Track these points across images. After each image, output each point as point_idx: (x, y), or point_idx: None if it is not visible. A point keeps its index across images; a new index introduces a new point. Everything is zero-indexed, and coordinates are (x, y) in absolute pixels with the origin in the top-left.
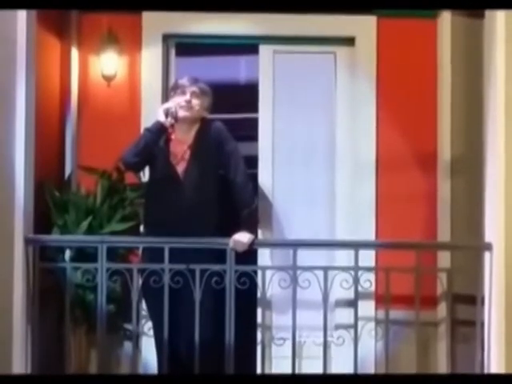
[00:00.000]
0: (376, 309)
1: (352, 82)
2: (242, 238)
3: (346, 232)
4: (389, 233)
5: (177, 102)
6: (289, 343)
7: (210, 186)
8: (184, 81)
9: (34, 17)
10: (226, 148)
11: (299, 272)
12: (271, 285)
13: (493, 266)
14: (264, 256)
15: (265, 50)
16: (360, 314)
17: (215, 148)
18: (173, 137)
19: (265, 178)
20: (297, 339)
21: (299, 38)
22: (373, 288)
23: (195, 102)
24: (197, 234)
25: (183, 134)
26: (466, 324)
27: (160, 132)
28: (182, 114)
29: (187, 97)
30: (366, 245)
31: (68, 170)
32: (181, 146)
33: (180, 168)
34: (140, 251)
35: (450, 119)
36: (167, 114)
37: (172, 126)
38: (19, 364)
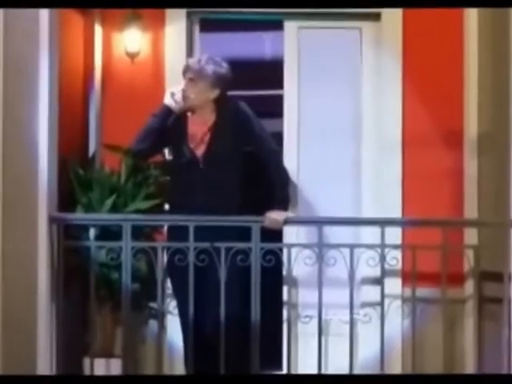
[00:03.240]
0: (402, 286)
1: (378, 57)
2: (278, 216)
3: (372, 209)
4: (415, 210)
5: (178, 88)
6: (315, 321)
7: (231, 167)
8: (188, 62)
9: None
10: (252, 127)
11: (325, 250)
12: (297, 262)
13: None
14: (290, 233)
15: (290, 26)
16: (386, 291)
17: (240, 129)
18: (190, 119)
19: (290, 154)
20: (323, 317)
21: (324, 13)
22: (399, 265)
23: (190, 90)
24: (220, 215)
25: (201, 115)
26: (493, 301)
27: (166, 115)
28: (182, 103)
29: (182, 86)
30: (392, 222)
31: (92, 148)
32: (199, 127)
33: (199, 151)
34: (165, 229)
35: (476, 96)
36: (172, 98)
37: (184, 108)
38: (44, 344)
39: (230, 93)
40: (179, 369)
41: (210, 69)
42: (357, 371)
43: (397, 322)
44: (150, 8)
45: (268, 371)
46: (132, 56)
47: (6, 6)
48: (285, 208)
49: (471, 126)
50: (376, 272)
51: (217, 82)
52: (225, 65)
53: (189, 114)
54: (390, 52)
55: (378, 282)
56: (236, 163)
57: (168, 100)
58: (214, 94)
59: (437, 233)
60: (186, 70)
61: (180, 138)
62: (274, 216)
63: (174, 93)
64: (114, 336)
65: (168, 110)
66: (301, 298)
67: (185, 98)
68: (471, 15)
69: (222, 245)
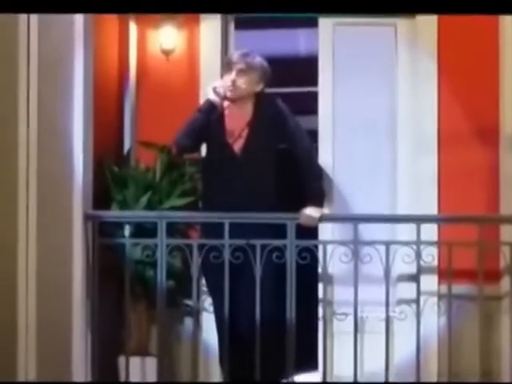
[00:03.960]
0: (439, 283)
1: (413, 55)
2: (314, 212)
3: (407, 206)
4: (451, 207)
5: (224, 81)
6: (350, 318)
7: (268, 163)
8: (233, 56)
9: None
10: (288, 124)
11: (360, 246)
12: (332, 259)
13: None
14: (325, 230)
15: (324, 22)
16: (422, 288)
17: (275, 124)
18: (228, 114)
19: (325, 151)
20: (359, 314)
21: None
22: (435, 262)
23: (241, 80)
24: (256, 211)
25: (239, 110)
26: None
27: (211, 111)
28: (228, 94)
29: (233, 76)
30: (428, 219)
31: (127, 145)
32: (237, 122)
33: (237, 146)
34: (199, 227)
35: None
36: (215, 92)
37: (225, 103)
38: (79, 342)
39: (266, 90)
40: (215, 367)
41: (257, 61)
42: (393, 369)
43: (433, 319)
44: (186, 13)
45: (304, 369)
46: (167, 53)
47: (42, 11)
48: (320, 205)
49: (507, 123)
50: (412, 269)
51: (263, 76)
52: (263, 60)
53: (226, 110)
54: (425, 49)
55: (414, 279)
56: (273, 159)
57: (211, 95)
58: (260, 87)
59: (473, 229)
60: (234, 62)
61: (218, 134)
62: (310, 213)
63: (216, 87)
64: (149, 334)
65: (212, 106)
66: (336, 295)
67: (235, 88)
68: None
69: (258, 242)
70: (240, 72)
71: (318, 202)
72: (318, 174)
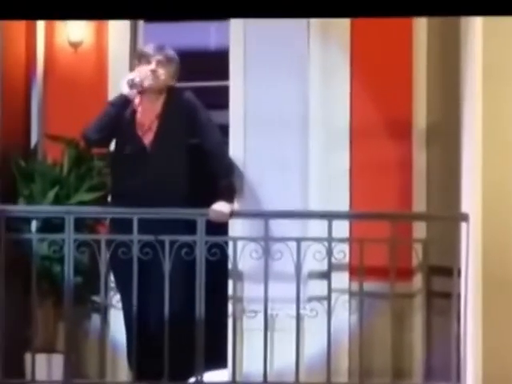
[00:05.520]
0: (350, 280)
1: (325, 47)
2: (223, 208)
3: (319, 202)
4: (363, 203)
5: (142, 71)
6: (261, 316)
7: (178, 156)
8: (149, 49)
9: None
10: (199, 118)
11: (271, 243)
12: (242, 256)
13: (469, 237)
14: (235, 226)
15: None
16: (334, 285)
17: (186, 118)
18: (139, 107)
19: (236, 146)
20: (269, 311)
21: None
22: (347, 259)
23: (161, 71)
24: (165, 206)
25: (150, 103)
26: (442, 296)
27: (124, 105)
28: (147, 83)
29: (152, 66)
30: (339, 215)
31: (34, 139)
32: (148, 116)
33: (147, 139)
34: (108, 222)
35: (425, 87)
36: (131, 85)
37: (137, 96)
38: None
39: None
40: (122, 365)
41: (173, 55)
42: (303, 367)
43: (344, 316)
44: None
45: (213, 368)
46: (75, 46)
47: None
48: (230, 200)
49: (420, 118)
50: (323, 266)
51: (177, 70)
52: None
53: (137, 103)
54: (338, 42)
55: (325, 276)
56: (183, 153)
57: (125, 89)
58: (174, 80)
59: (385, 226)
60: (151, 54)
61: (129, 126)
62: (219, 208)
63: (132, 79)
64: (56, 330)
65: (125, 100)
66: (246, 292)
67: (155, 78)
68: None
69: (167, 238)
70: (159, 63)
71: (229, 197)
72: (229, 169)
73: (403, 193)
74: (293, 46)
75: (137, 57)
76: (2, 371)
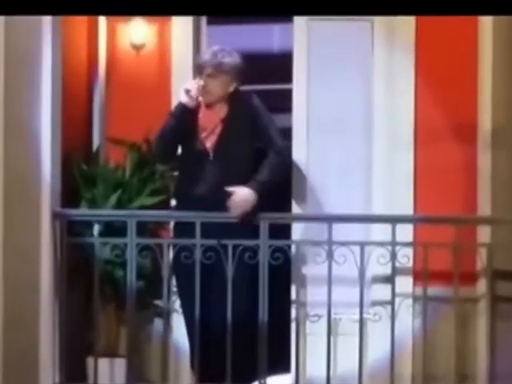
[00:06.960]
0: (414, 285)
1: (390, 50)
2: (249, 196)
3: (383, 206)
4: (427, 207)
5: (194, 85)
6: (324, 320)
7: (242, 160)
8: (204, 57)
9: None
10: (262, 121)
11: (335, 247)
12: (306, 260)
13: None
14: (298, 230)
15: (299, 17)
16: (397, 290)
17: (250, 122)
18: (202, 111)
19: (299, 150)
20: (332, 316)
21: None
22: (410, 264)
23: (211, 85)
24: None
25: (213, 107)
26: (507, 300)
27: (184, 113)
28: (200, 99)
29: (202, 82)
30: (403, 219)
31: (96, 143)
32: (212, 119)
33: (209, 143)
34: (171, 226)
35: (490, 90)
36: (188, 95)
37: (196, 103)
38: (46, 343)
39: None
40: (185, 369)
41: (227, 62)
42: (366, 371)
43: (407, 321)
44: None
45: (276, 372)
46: (137, 48)
47: (10, 13)
48: (256, 189)
49: (485, 120)
50: (387, 270)
51: (235, 75)
52: (237, 55)
53: (201, 107)
54: (403, 45)
55: (389, 280)
56: (246, 157)
57: (183, 98)
58: (232, 86)
59: (449, 230)
60: (203, 65)
61: (191, 130)
62: (244, 195)
63: (188, 89)
64: (118, 335)
65: (184, 108)
66: (309, 296)
67: (206, 93)
68: None
69: (230, 242)
70: (209, 77)
71: (258, 186)
72: (281, 168)
73: (468, 196)
74: (357, 47)
75: (196, 64)
76: (65, 375)
